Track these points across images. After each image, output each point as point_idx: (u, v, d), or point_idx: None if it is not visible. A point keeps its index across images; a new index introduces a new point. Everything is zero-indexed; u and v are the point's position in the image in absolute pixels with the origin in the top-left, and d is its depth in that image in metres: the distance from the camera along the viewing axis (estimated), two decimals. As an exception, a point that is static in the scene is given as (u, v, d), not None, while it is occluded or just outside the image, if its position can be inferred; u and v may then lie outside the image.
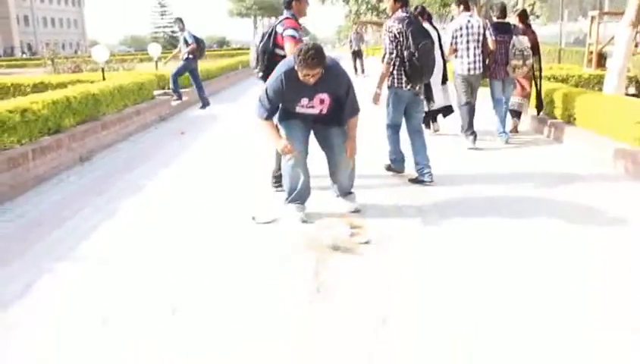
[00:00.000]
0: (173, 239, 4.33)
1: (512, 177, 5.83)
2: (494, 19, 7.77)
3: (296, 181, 4.66)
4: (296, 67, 4.17)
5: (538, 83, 8.03)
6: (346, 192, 4.86)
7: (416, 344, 2.76)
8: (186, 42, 11.74)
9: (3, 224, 4.70)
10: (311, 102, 4.39)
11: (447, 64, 8.02)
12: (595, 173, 5.91)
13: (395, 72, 5.57)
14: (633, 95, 10.74)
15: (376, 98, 5.72)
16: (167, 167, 6.77)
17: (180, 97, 12.13)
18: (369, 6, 41.39)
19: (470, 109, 7.39)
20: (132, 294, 3.39)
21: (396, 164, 5.98)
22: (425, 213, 4.75)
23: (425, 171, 5.58)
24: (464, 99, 7.41)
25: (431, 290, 3.34)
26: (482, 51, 7.24)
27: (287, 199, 4.71)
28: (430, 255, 3.87)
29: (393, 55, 5.51)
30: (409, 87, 5.56)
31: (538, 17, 32.49)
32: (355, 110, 4.57)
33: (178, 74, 12.10)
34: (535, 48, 7.81)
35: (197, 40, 11.82)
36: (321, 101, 4.41)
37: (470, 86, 7.38)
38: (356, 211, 4.78)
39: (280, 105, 4.54)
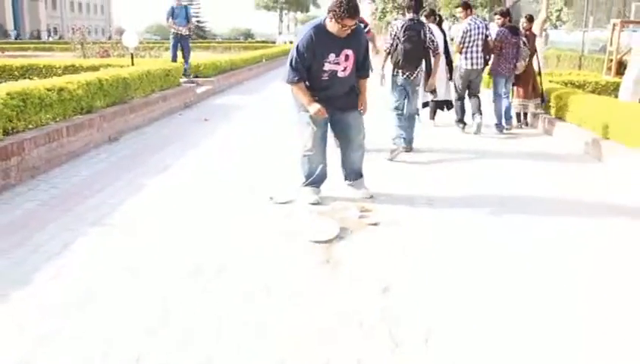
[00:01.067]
0: (195, 212, 4.73)
1: (514, 167, 6.58)
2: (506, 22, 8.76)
3: (315, 166, 5.02)
4: (334, 21, 4.47)
5: (540, 79, 9.13)
6: (357, 175, 5.17)
7: (413, 310, 3.13)
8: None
9: (39, 194, 5.12)
10: (337, 58, 4.67)
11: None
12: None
13: (393, 63, 6.71)
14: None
15: (382, 79, 7.07)
16: (191, 149, 7.19)
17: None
18: (395, 4, 41.59)
19: (462, 105, 8.63)
20: (158, 256, 3.79)
21: (398, 142, 6.81)
22: (433, 200, 5.10)
23: (403, 140, 6.82)
24: (459, 94, 8.62)
25: (433, 267, 3.69)
26: (483, 50, 8.33)
27: (304, 182, 5.08)
28: (435, 238, 4.23)
29: (391, 48, 6.76)
30: (403, 75, 6.70)
31: (564, 22, 32.49)
32: (369, 69, 5.03)
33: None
34: (534, 49, 8.97)
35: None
36: (346, 58, 4.69)
37: (468, 80, 8.48)
38: (369, 197, 5.08)
39: (307, 82, 4.79)
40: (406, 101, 6.81)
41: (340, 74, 4.75)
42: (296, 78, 4.71)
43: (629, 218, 4.76)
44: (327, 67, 4.69)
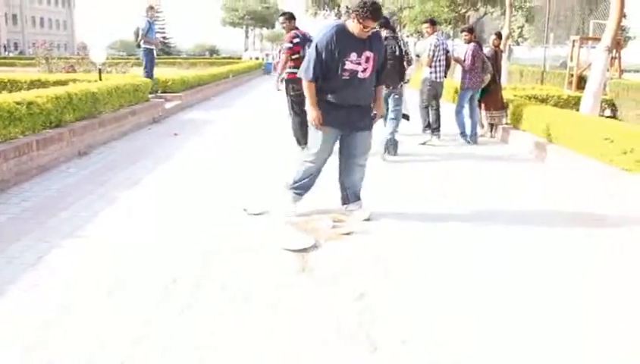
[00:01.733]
0: (169, 225, 4.76)
1: (476, 174, 7.03)
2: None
3: (308, 176, 5.03)
4: (356, 21, 4.56)
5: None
6: (356, 197, 5.14)
7: (389, 316, 3.22)
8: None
9: (11, 207, 5.09)
10: (359, 58, 4.71)
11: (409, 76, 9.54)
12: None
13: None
14: (609, 118, 11.34)
15: None
16: (163, 163, 7.21)
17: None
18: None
19: (428, 112, 9.20)
20: (134, 269, 3.82)
21: (387, 142, 7.86)
22: (404, 209, 5.23)
23: (388, 145, 7.72)
24: (425, 103, 9.19)
25: (407, 274, 3.80)
26: (445, 64, 9.02)
27: (291, 185, 5.09)
28: (407, 246, 4.35)
29: None
30: (386, 89, 7.33)
31: (526, 39, 33.45)
32: (388, 76, 5.28)
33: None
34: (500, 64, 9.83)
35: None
36: (367, 60, 4.74)
37: (434, 90, 9.11)
38: (369, 218, 4.99)
39: (329, 81, 4.76)
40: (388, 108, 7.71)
41: (360, 75, 4.76)
42: (311, 76, 4.74)
43: (563, 207, 5.39)
44: (348, 65, 4.71)
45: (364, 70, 4.77)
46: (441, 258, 4.08)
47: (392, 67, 7.23)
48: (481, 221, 4.99)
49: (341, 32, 4.69)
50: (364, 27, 4.58)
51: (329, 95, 4.81)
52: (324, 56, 4.67)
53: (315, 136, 4.96)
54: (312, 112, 4.85)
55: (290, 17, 8.07)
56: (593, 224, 4.98)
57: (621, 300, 3.49)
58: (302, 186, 5.11)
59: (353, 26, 4.63)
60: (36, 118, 6.62)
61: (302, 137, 7.90)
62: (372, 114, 5.06)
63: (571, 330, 3.09)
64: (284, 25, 8.08)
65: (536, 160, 8.04)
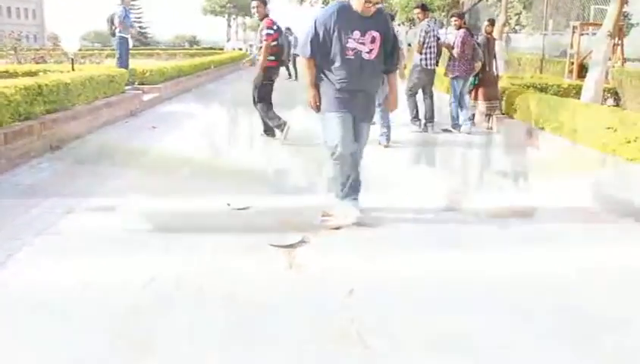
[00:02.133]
0: (150, 220, 4.75)
1: (469, 164, 7.59)
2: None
3: (346, 176, 4.83)
4: None
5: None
6: (357, 190, 4.96)
7: (380, 312, 3.25)
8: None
9: (-22, 203, 5.08)
10: (362, 38, 4.70)
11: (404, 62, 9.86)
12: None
13: None
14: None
15: None
16: (141, 157, 7.20)
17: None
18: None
19: (415, 101, 9.34)
20: (111, 267, 3.81)
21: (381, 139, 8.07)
22: (393, 203, 5.26)
23: (381, 134, 7.99)
24: (412, 91, 9.32)
25: (397, 269, 3.84)
26: (436, 51, 9.22)
27: (341, 195, 4.90)
28: (396, 239, 4.38)
29: None
30: None
31: (524, 26, 33.63)
32: (397, 62, 5.15)
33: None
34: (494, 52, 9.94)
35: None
36: (372, 40, 4.73)
37: (424, 78, 9.31)
38: (358, 220, 4.84)
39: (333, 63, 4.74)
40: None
41: (365, 56, 4.73)
42: (308, 53, 4.76)
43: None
44: (351, 44, 4.70)
45: (369, 52, 4.75)
46: (435, 253, 4.12)
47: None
48: (473, 212, 5.05)
49: (343, 9, 4.71)
50: (366, 2, 4.59)
51: (332, 77, 4.78)
52: (322, 33, 4.69)
53: (327, 128, 4.82)
54: (309, 92, 4.85)
55: (265, 2, 8.14)
56: (593, 217, 5.03)
57: (625, 299, 3.54)
58: (349, 193, 4.87)
59: (356, 2, 4.64)
60: (3, 110, 6.56)
61: (277, 121, 8.20)
62: (388, 106, 5.10)
63: (569, 328, 3.12)
64: (259, 10, 8.13)
65: (533, 150, 8.17)
